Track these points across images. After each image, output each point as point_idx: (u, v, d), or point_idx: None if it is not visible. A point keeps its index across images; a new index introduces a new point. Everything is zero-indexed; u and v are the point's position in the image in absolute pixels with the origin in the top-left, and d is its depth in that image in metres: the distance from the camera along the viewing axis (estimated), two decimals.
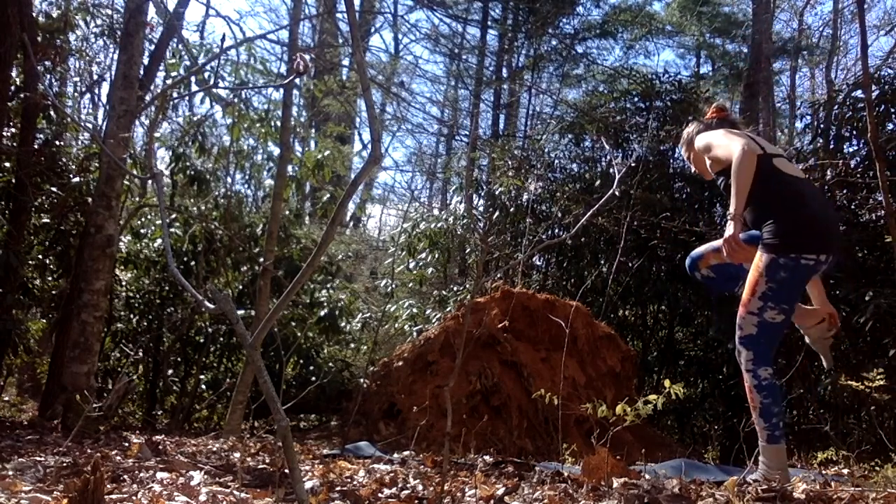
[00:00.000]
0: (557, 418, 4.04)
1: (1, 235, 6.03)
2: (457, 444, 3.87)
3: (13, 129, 6.22)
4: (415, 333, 7.37)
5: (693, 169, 3.18)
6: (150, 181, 3.22)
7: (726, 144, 2.81)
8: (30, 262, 6.71)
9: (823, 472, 3.21)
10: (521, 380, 4.88)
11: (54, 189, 6.51)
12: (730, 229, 2.66)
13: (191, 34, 14.39)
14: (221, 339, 7.46)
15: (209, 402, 7.51)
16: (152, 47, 6.81)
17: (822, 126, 7.37)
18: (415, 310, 8.18)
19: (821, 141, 7.33)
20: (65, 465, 2.67)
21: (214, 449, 3.49)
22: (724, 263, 2.92)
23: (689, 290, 7.60)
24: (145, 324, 7.56)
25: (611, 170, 7.94)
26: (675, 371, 7.50)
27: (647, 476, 2.57)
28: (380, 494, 2.22)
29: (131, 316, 7.65)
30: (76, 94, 9.07)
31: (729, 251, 2.67)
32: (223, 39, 10.84)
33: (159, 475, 2.42)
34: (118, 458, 2.87)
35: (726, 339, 7.19)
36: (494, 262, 7.82)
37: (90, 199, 5.99)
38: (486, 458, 3.18)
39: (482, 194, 9.34)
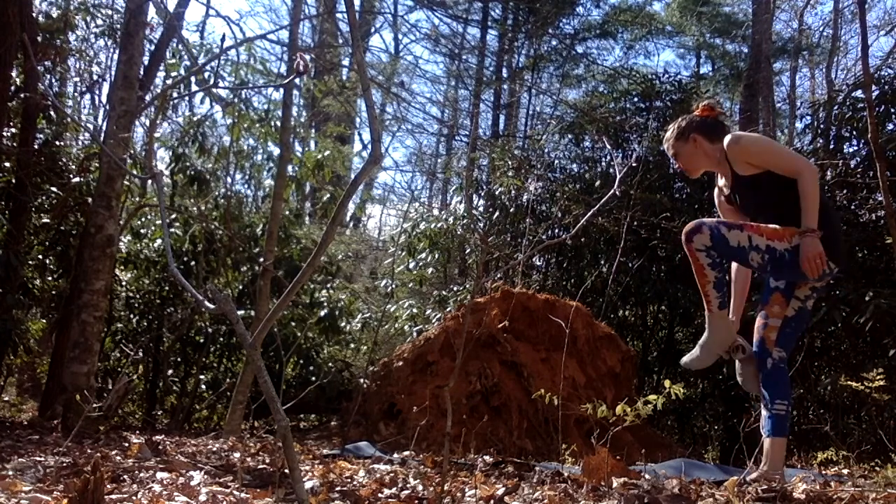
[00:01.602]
0: (557, 418, 4.04)
1: (1, 235, 6.03)
2: (457, 444, 3.87)
3: (13, 129, 6.22)
4: (415, 333, 7.37)
5: (677, 165, 3.08)
6: (150, 181, 3.22)
7: (791, 155, 2.84)
8: (30, 262, 6.71)
9: (823, 472, 3.21)
10: (521, 380, 4.88)
11: (54, 189, 6.51)
12: (816, 245, 2.63)
13: (191, 34, 14.40)
14: (221, 339, 7.46)
15: (209, 402, 7.51)
16: (152, 47, 6.82)
17: (822, 126, 7.37)
18: (415, 310, 8.18)
19: (821, 141, 7.34)
20: (65, 465, 2.67)
21: (214, 449, 3.49)
22: (784, 329, 2.92)
23: (689, 291, 7.59)
24: (145, 324, 7.57)
25: (611, 170, 7.94)
26: (675, 371, 7.49)
27: (647, 476, 2.58)
28: (380, 494, 2.22)
29: (131, 316, 7.65)
30: (76, 94, 9.08)
31: (815, 269, 2.64)
32: (223, 39, 10.84)
33: (159, 475, 2.42)
34: (118, 458, 2.87)
35: None
36: (494, 263, 7.82)
37: (90, 199, 5.99)
38: (486, 458, 3.18)
39: (482, 194, 9.35)
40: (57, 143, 6.73)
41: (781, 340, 2.89)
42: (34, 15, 6.28)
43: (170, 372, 7.51)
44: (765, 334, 2.92)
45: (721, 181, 3.04)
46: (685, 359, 3.03)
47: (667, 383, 2.32)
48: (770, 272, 2.80)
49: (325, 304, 7.65)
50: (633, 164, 7.23)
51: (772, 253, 2.69)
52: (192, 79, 6.93)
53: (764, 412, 2.84)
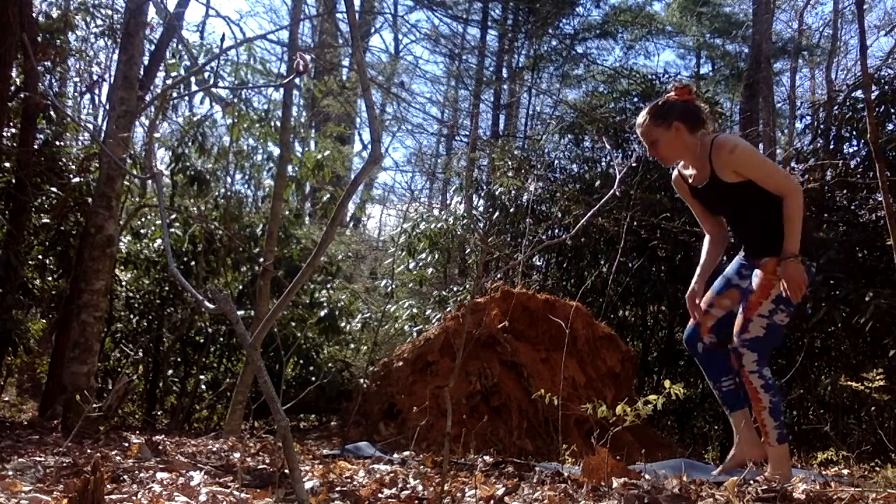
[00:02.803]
0: (557, 418, 4.04)
1: (1, 235, 6.03)
2: (457, 444, 3.87)
3: (13, 129, 6.22)
4: (415, 333, 7.37)
5: (650, 152, 2.93)
6: (150, 181, 3.22)
7: (783, 174, 2.80)
8: (30, 262, 6.71)
9: (823, 472, 3.21)
10: (521, 380, 4.87)
11: (54, 189, 6.51)
12: (800, 272, 2.64)
13: (191, 34, 14.40)
14: (221, 339, 7.46)
15: (209, 402, 7.51)
16: (152, 47, 6.81)
17: (822, 126, 7.37)
18: (415, 310, 8.18)
19: (821, 141, 7.33)
20: (65, 465, 2.67)
21: (214, 449, 3.49)
22: (722, 318, 2.97)
23: None
24: (145, 324, 7.57)
25: (611, 170, 7.94)
26: (675, 371, 7.50)
27: (647, 476, 2.57)
28: (380, 495, 2.22)
29: (131, 316, 7.65)
30: (76, 94, 9.09)
31: (799, 294, 2.66)
32: (223, 39, 10.86)
33: (159, 475, 2.42)
34: (118, 458, 2.87)
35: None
36: (494, 263, 7.82)
37: (90, 199, 5.99)
38: (486, 458, 3.18)
39: (482, 194, 9.34)
40: (57, 143, 6.73)
41: (716, 329, 2.96)
42: (34, 15, 6.28)
43: (170, 372, 7.50)
44: (704, 320, 2.98)
45: (689, 171, 2.94)
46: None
47: (667, 383, 2.32)
48: (794, 303, 2.75)
49: (325, 304, 7.65)
50: (633, 165, 7.23)
51: (779, 300, 2.71)
52: (192, 79, 6.92)
53: (716, 392, 2.99)
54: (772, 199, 2.74)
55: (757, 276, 2.77)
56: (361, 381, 5.96)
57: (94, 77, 8.80)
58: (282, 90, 6.28)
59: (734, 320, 2.85)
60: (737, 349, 2.76)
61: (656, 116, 2.83)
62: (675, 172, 3.04)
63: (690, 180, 2.94)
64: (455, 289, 8.28)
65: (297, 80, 7.30)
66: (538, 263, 8.45)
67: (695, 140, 2.81)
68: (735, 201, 2.83)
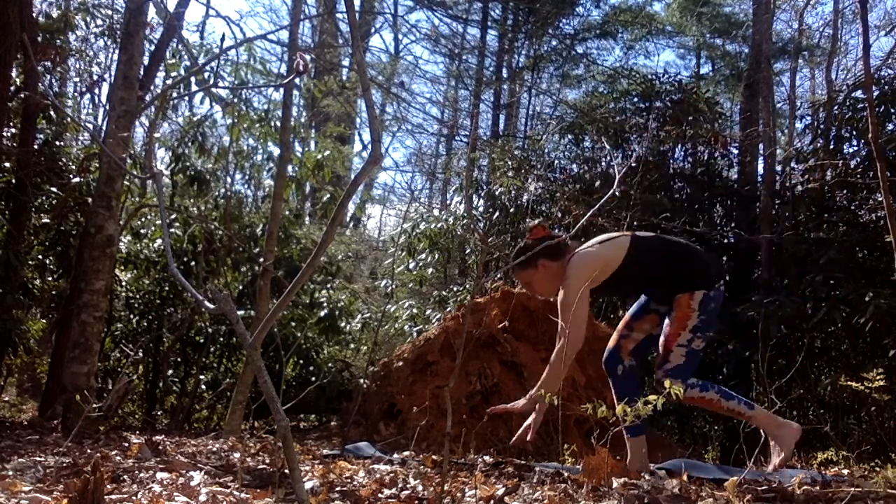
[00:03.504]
0: (557, 419, 4.04)
1: (1, 235, 6.03)
2: (457, 444, 3.87)
3: (13, 129, 6.22)
4: (415, 333, 7.37)
5: (531, 293, 3.17)
6: (150, 181, 3.22)
7: (575, 312, 2.88)
8: (30, 262, 6.71)
9: (823, 472, 3.21)
10: (521, 380, 4.87)
11: (54, 189, 6.51)
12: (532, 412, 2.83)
13: (191, 34, 14.39)
14: (221, 339, 7.46)
15: (209, 402, 7.51)
16: (152, 47, 6.81)
17: (822, 126, 7.37)
18: (415, 310, 8.18)
19: (821, 141, 7.34)
20: (65, 465, 2.67)
21: (214, 449, 3.49)
22: (641, 343, 3.11)
23: None
24: (145, 324, 7.56)
25: (611, 170, 7.94)
26: None
27: (646, 476, 2.57)
28: (380, 495, 2.22)
29: (131, 316, 7.64)
30: (76, 94, 9.07)
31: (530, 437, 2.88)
32: (223, 39, 10.84)
33: (159, 475, 2.42)
34: (118, 458, 2.87)
35: (726, 339, 7.19)
36: (494, 263, 7.82)
37: (90, 199, 5.99)
38: (486, 458, 3.18)
39: (482, 194, 9.34)
40: (57, 143, 6.73)
41: (634, 351, 3.11)
42: (34, 15, 6.28)
43: (170, 372, 7.50)
44: (623, 343, 3.11)
45: None
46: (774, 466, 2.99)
47: (667, 383, 2.31)
48: (710, 327, 2.93)
49: (325, 304, 7.64)
50: (633, 165, 7.24)
51: (696, 329, 2.87)
52: (192, 79, 6.92)
53: None
54: (652, 264, 2.90)
55: (673, 311, 2.91)
56: (361, 381, 5.96)
57: (94, 77, 8.79)
58: (282, 90, 6.28)
59: (653, 343, 3.03)
60: (661, 380, 2.88)
61: (521, 265, 3.05)
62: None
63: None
64: (455, 289, 8.28)
65: (297, 80, 7.30)
66: None
67: (563, 264, 2.99)
68: (634, 282, 3.04)
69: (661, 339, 2.94)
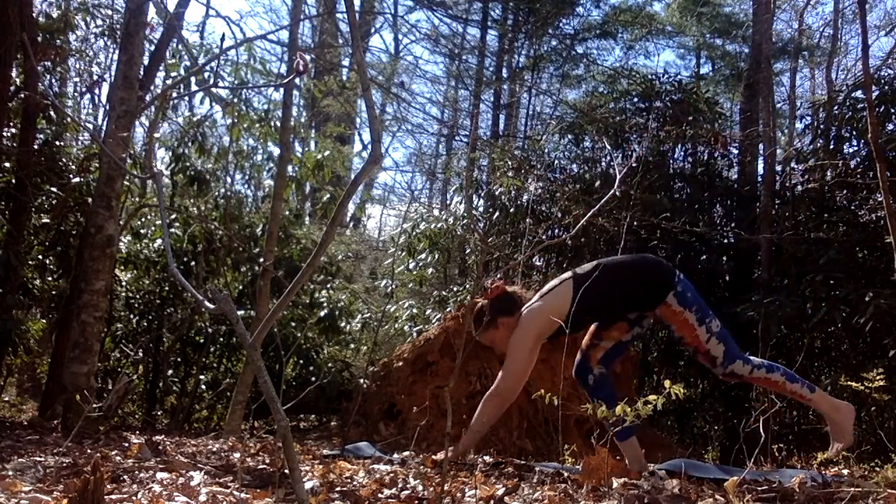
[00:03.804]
0: (557, 418, 4.04)
1: (1, 235, 6.03)
2: (457, 444, 3.87)
3: (13, 129, 6.22)
4: (415, 334, 7.37)
5: (493, 348, 3.26)
6: (150, 181, 3.22)
7: (517, 371, 3.02)
8: (30, 262, 6.71)
9: (823, 472, 3.21)
10: None
11: (54, 189, 6.51)
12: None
13: (191, 34, 14.39)
14: (221, 339, 7.46)
15: (209, 402, 7.51)
16: (152, 48, 6.80)
17: (822, 126, 7.37)
18: (415, 310, 8.18)
19: (821, 141, 7.34)
20: (65, 465, 2.67)
21: (214, 449, 3.48)
22: (610, 349, 3.14)
23: None
24: (145, 324, 7.56)
25: (611, 170, 7.94)
26: (675, 371, 7.50)
27: (646, 476, 2.57)
28: (380, 495, 2.21)
29: (131, 316, 7.64)
30: (76, 94, 9.06)
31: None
32: (223, 39, 10.84)
33: (159, 475, 2.42)
34: (118, 458, 2.87)
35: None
36: (494, 263, 7.82)
37: (90, 199, 5.98)
38: (486, 458, 3.18)
39: (482, 195, 9.34)
40: (57, 143, 6.73)
41: (603, 359, 3.13)
42: (34, 15, 6.27)
43: (170, 372, 7.50)
44: (591, 353, 3.14)
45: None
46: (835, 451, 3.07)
47: (667, 383, 2.31)
48: (706, 307, 2.99)
49: (325, 304, 7.64)
50: (633, 165, 7.24)
51: (701, 319, 2.94)
52: (192, 79, 6.92)
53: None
54: (603, 295, 2.93)
55: (671, 325, 2.97)
56: (361, 381, 5.96)
57: (94, 77, 8.78)
58: (282, 90, 6.28)
59: (622, 349, 3.13)
60: (725, 375, 2.95)
61: (484, 327, 3.15)
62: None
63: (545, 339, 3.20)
64: (455, 289, 8.28)
65: (297, 80, 7.30)
66: (538, 263, 8.45)
67: (518, 316, 3.10)
68: (587, 319, 3.09)
69: (692, 349, 2.99)
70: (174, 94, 6.11)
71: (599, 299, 2.95)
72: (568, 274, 3.14)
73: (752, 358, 2.98)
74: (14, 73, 5.78)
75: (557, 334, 3.07)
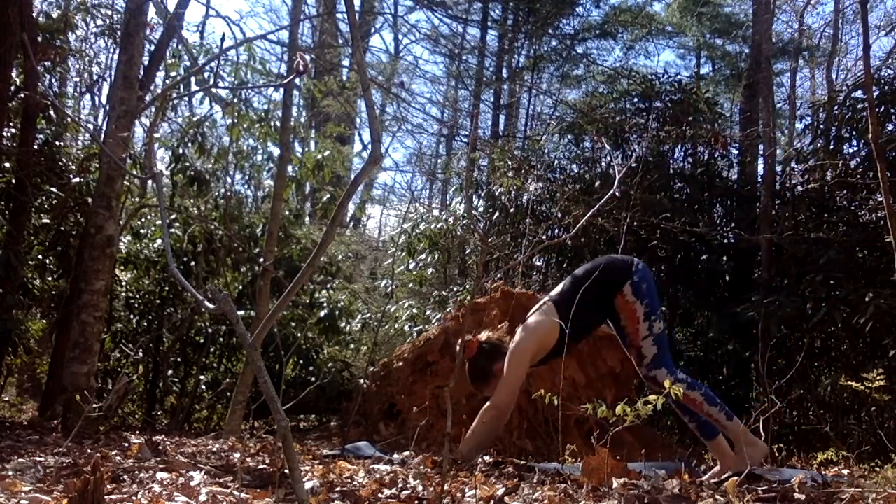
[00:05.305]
0: (557, 419, 4.04)
1: (1, 235, 6.03)
2: (457, 444, 3.87)
3: (13, 129, 6.22)
4: (415, 334, 7.37)
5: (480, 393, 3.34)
6: (150, 181, 3.22)
7: (507, 391, 3.08)
8: (30, 262, 6.71)
9: (823, 472, 3.21)
10: None
11: (54, 189, 6.51)
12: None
13: (191, 34, 14.36)
14: (221, 339, 7.46)
15: (209, 402, 7.50)
16: (152, 48, 6.81)
17: (822, 126, 7.37)
18: (415, 310, 8.17)
19: (821, 141, 7.33)
20: (65, 465, 2.67)
21: (214, 449, 3.48)
22: (658, 353, 3.18)
23: (690, 291, 7.59)
24: (145, 324, 7.56)
25: (610, 170, 7.94)
26: None
27: (646, 476, 2.57)
28: (380, 495, 2.21)
29: (131, 316, 7.64)
30: (76, 94, 9.07)
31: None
32: (223, 39, 10.85)
33: (159, 475, 2.42)
34: (118, 458, 2.87)
35: (726, 339, 7.19)
36: (494, 263, 7.81)
37: (90, 200, 5.98)
38: (486, 458, 3.18)
39: (482, 195, 9.34)
40: (57, 143, 6.72)
41: (664, 364, 3.16)
42: (34, 15, 6.27)
43: (170, 372, 7.50)
44: (649, 374, 3.18)
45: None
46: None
47: (667, 383, 2.31)
48: (657, 304, 3.10)
49: (325, 304, 7.64)
50: (633, 165, 7.24)
51: (647, 316, 3.05)
52: (192, 79, 6.92)
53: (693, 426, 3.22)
54: (577, 307, 2.98)
55: (622, 312, 3.07)
56: (361, 381, 5.96)
57: (94, 77, 8.80)
58: (282, 90, 6.28)
59: (663, 342, 3.15)
60: (647, 378, 3.03)
61: (484, 382, 3.22)
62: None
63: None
64: (455, 289, 8.28)
65: (297, 80, 7.30)
66: (538, 263, 8.45)
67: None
68: (581, 335, 3.20)
69: (627, 341, 3.09)
70: (174, 94, 6.11)
71: (579, 308, 3.02)
72: (545, 298, 3.28)
73: (678, 372, 3.05)
74: (14, 73, 5.78)
75: (552, 355, 3.17)
